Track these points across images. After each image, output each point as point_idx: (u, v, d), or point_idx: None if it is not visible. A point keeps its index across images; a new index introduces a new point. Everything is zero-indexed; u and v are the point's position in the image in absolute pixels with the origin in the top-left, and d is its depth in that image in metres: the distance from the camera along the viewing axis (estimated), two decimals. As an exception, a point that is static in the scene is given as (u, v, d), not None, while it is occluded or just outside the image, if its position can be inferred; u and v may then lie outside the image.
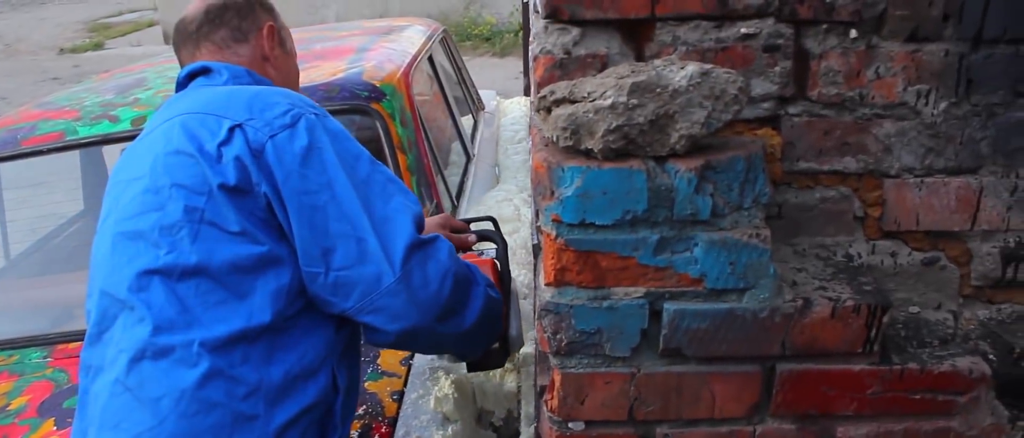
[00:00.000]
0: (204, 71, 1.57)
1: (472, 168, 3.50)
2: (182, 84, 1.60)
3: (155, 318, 1.32)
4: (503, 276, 1.75)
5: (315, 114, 1.41)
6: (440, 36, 4.18)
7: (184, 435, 1.29)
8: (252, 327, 1.33)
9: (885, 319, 1.16)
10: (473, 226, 1.92)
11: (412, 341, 1.45)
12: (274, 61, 1.67)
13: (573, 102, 1.12)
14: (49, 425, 1.94)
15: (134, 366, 1.32)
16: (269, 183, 1.33)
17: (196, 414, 1.29)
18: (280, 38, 1.70)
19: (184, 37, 1.65)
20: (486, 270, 1.70)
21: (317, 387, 1.39)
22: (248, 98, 1.40)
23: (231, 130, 1.35)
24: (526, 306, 2.09)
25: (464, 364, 1.86)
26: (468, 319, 1.48)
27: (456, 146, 3.56)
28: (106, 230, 1.44)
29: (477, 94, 4.70)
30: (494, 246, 1.84)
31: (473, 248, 1.86)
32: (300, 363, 1.37)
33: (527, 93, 5.95)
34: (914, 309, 1.34)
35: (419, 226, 1.40)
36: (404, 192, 1.43)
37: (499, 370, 2.16)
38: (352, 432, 1.86)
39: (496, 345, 1.74)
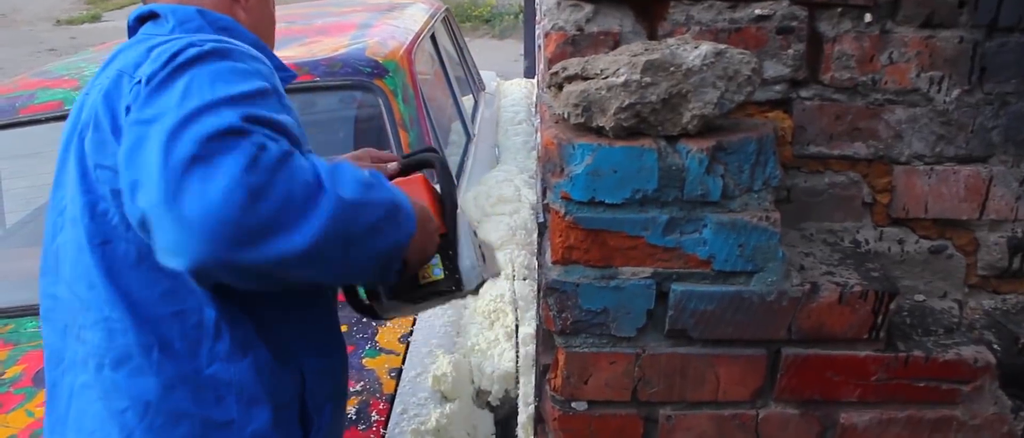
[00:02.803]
0: (152, 16, 1.38)
1: (472, 148, 3.49)
2: (132, 29, 1.42)
3: (107, 322, 1.22)
4: (444, 198, 1.42)
5: (213, 49, 1.16)
6: (442, 15, 4.16)
7: None
8: (207, 320, 1.23)
9: (892, 306, 1.16)
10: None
11: (234, 276, 1.07)
12: (244, 1, 1.46)
13: (585, 79, 1.11)
14: (44, 395, 1.93)
15: (99, 373, 1.24)
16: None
17: (162, 427, 1.22)
18: None
19: None
20: (416, 188, 1.38)
21: (292, 379, 1.31)
22: (149, 47, 1.20)
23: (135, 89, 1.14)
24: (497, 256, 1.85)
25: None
26: (306, 232, 1.05)
27: (456, 126, 3.55)
28: (57, 206, 1.32)
29: (478, 74, 4.68)
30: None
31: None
32: (270, 354, 1.27)
33: (527, 75, 5.94)
34: (920, 297, 1.34)
35: (202, 115, 1.05)
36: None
37: (499, 352, 2.16)
38: (349, 408, 1.86)
39: (441, 274, 1.39)
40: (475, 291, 1.47)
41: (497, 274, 1.62)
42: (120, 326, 1.21)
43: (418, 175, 1.43)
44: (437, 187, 1.45)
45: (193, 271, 1.03)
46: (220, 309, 1.23)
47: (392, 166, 1.54)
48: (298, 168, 1.07)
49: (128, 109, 1.12)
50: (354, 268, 1.17)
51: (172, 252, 1.02)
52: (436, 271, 1.39)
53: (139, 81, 1.13)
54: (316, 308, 1.39)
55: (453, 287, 1.40)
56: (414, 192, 1.32)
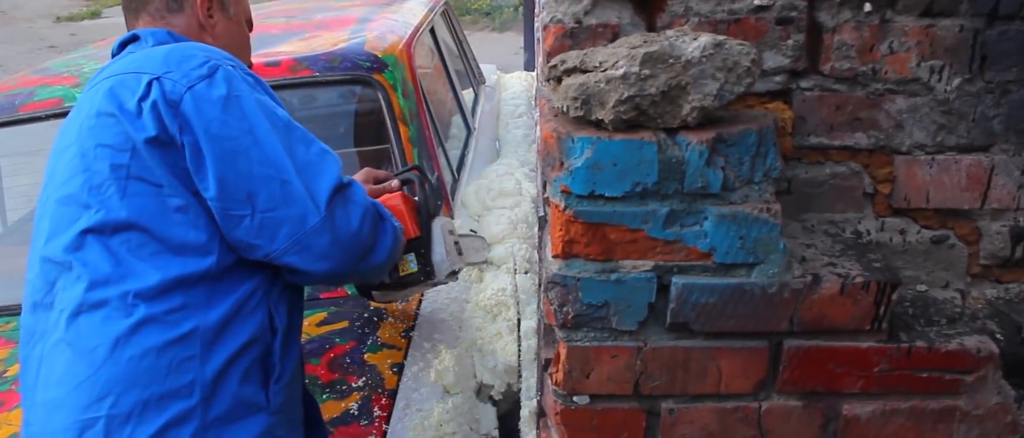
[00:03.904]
0: (134, 40, 1.59)
1: (473, 142, 3.48)
2: (116, 54, 1.60)
3: (91, 274, 1.34)
4: (420, 208, 1.87)
5: (232, 66, 1.43)
6: (441, 8, 4.15)
7: (119, 381, 1.32)
8: (188, 274, 1.35)
9: (894, 296, 1.15)
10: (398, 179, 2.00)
11: (334, 278, 1.53)
12: (211, 29, 1.65)
13: (584, 72, 1.10)
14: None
15: (72, 322, 1.35)
16: (189, 133, 1.35)
17: (130, 360, 1.32)
18: (220, 4, 1.68)
19: (127, 6, 1.66)
20: (396, 201, 1.83)
21: (253, 324, 1.41)
22: (165, 53, 1.42)
23: (149, 84, 1.36)
24: (473, 246, 2.19)
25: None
26: (380, 254, 1.54)
27: (457, 119, 3.54)
28: (43, 200, 1.46)
29: (478, 68, 4.67)
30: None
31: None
32: (237, 303, 1.40)
33: (528, 68, 5.93)
34: (922, 287, 1.33)
35: (340, 169, 1.45)
36: (322, 143, 1.48)
37: (502, 346, 2.15)
38: (352, 403, 1.86)
39: (416, 268, 1.87)
40: (454, 276, 1.95)
41: (478, 261, 2.18)
42: (103, 279, 1.34)
43: (398, 193, 1.86)
44: (417, 198, 1.89)
45: (326, 274, 1.44)
46: (206, 269, 1.37)
47: (393, 184, 1.91)
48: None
49: (143, 98, 1.35)
50: (383, 271, 1.67)
51: (319, 256, 1.41)
52: (412, 265, 1.86)
53: (156, 79, 1.36)
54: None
55: (424, 277, 1.87)
56: (394, 209, 1.77)
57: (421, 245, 1.86)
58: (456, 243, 1.96)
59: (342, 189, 1.43)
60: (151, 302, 1.33)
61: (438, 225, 1.91)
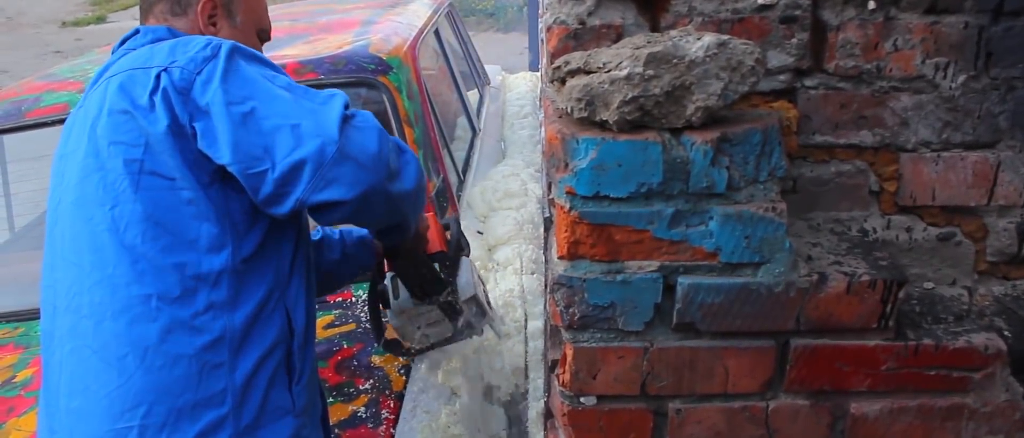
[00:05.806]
0: (134, 36, 1.60)
1: (478, 143, 3.48)
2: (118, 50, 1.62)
3: (111, 277, 1.35)
4: (451, 241, 1.92)
5: (234, 44, 1.45)
6: (446, 10, 4.15)
7: (152, 390, 1.33)
8: (205, 272, 1.37)
9: (901, 294, 1.15)
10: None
11: (369, 206, 1.46)
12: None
13: (588, 73, 1.10)
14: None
15: (97, 328, 1.35)
16: (200, 117, 1.36)
17: (161, 368, 1.33)
18: (226, 11, 1.67)
19: (140, 7, 1.68)
20: (426, 218, 1.88)
21: (274, 328, 1.43)
22: (170, 46, 1.44)
23: (157, 76, 1.38)
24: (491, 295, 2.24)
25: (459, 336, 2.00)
26: (408, 179, 1.52)
27: (462, 121, 3.55)
28: (54, 205, 1.47)
29: (482, 69, 4.68)
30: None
31: None
32: (257, 306, 1.41)
33: (532, 68, 5.93)
34: (929, 285, 1.33)
35: (346, 105, 1.45)
36: (326, 91, 1.48)
37: (509, 347, 2.16)
38: (358, 407, 1.87)
39: (443, 276, 1.90)
40: (479, 315, 1.96)
41: (497, 328, 2.13)
42: (123, 280, 1.35)
43: (429, 212, 1.89)
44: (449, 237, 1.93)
45: (358, 199, 1.39)
46: (223, 264, 1.38)
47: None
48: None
49: (154, 91, 1.36)
50: (416, 207, 1.62)
51: (350, 184, 1.37)
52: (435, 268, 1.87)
53: (164, 70, 1.37)
54: (302, 262, 1.55)
55: (447, 275, 1.89)
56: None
57: (447, 260, 1.90)
58: (487, 293, 2.02)
59: (349, 118, 1.42)
60: (174, 304, 1.34)
61: (468, 260, 1.96)
